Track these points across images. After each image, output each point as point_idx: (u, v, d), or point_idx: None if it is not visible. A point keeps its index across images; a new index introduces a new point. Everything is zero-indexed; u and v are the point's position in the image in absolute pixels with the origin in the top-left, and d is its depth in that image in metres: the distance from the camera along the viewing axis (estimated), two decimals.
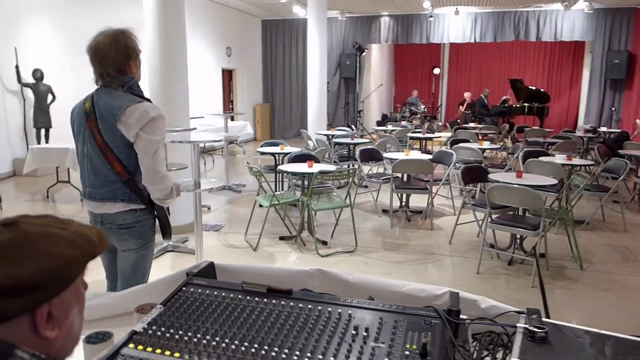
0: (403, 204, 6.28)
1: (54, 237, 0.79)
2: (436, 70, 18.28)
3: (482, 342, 1.31)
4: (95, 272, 3.04)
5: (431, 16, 13.88)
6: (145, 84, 5.41)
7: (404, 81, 19.34)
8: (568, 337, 1.18)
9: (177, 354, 1.22)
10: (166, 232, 2.41)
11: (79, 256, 0.81)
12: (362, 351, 1.18)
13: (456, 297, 1.48)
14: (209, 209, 6.44)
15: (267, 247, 4.97)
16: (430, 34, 14.33)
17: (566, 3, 11.70)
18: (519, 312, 1.32)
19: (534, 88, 14.37)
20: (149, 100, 2.28)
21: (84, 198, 2.35)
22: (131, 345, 1.26)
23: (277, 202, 4.90)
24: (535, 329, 1.17)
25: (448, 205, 6.74)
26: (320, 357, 1.16)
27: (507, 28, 13.63)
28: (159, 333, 1.30)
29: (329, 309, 1.36)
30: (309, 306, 1.37)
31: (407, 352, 1.16)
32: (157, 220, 2.36)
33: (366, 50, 14.86)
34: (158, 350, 1.24)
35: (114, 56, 2.18)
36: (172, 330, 1.30)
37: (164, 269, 4.23)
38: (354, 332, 1.25)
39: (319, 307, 1.37)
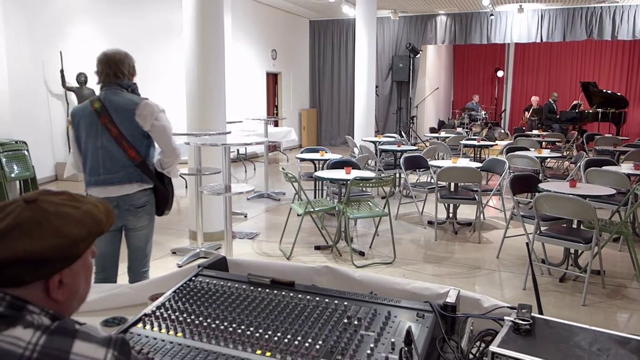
0: (450, 215, 6.31)
1: (67, 216, 1.00)
2: (499, 73, 18.02)
3: (475, 337, 1.43)
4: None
5: (492, 14, 13.77)
6: (182, 87, 5.79)
7: (464, 85, 19.18)
8: (554, 330, 1.29)
9: (179, 334, 1.42)
10: (167, 206, 3.14)
11: (86, 235, 1.01)
12: (350, 338, 1.33)
13: (457, 295, 1.59)
14: (245, 216, 6.71)
15: (301, 256, 5.16)
16: (491, 33, 14.20)
17: None
18: (511, 308, 1.42)
19: (609, 92, 13.92)
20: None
21: (95, 186, 2.92)
22: (140, 325, 1.48)
23: (311, 210, 5.09)
24: (520, 322, 1.28)
25: (500, 217, 6.70)
26: (310, 341, 1.32)
27: (578, 26, 13.30)
28: (165, 315, 1.51)
29: (327, 300, 1.52)
30: (308, 297, 1.54)
31: (393, 340, 1.30)
32: (164, 193, 3.05)
33: (421, 52, 14.90)
34: (163, 331, 1.45)
35: (126, 63, 2.96)
36: (177, 314, 1.51)
37: None
38: (346, 321, 1.41)
39: (317, 298, 1.53)
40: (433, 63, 16.97)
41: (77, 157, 3.00)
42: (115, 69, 2.90)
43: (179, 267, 4.55)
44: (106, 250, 3.01)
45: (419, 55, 14.76)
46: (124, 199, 2.90)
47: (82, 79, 9.03)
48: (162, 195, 3.05)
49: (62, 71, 8.87)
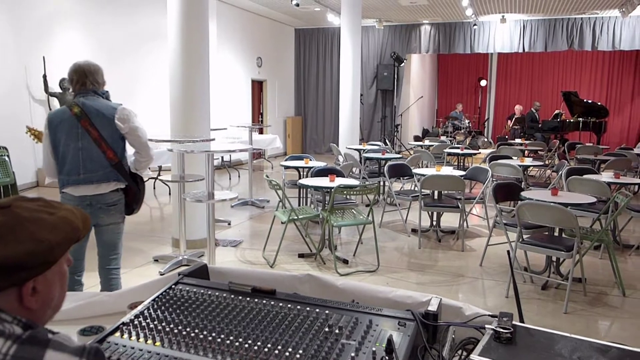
0: (434, 223, 6.33)
1: (41, 221, 0.98)
2: (483, 82, 18.21)
3: (457, 345, 1.42)
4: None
5: (475, 24, 13.93)
6: (166, 93, 5.75)
7: (448, 94, 19.34)
8: (535, 339, 1.29)
9: (158, 343, 1.39)
10: (140, 203, 3.36)
11: (61, 240, 0.99)
12: (331, 347, 1.32)
13: (439, 303, 1.58)
14: (229, 224, 6.67)
15: (285, 264, 5.13)
16: (474, 43, 14.37)
17: (623, 9, 11.55)
18: (492, 316, 1.42)
19: (590, 101, 14.14)
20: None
21: (73, 185, 3.11)
22: (117, 334, 1.45)
23: (295, 217, 5.07)
24: (501, 330, 1.28)
25: (483, 225, 6.74)
26: (290, 350, 1.30)
27: (560, 36, 13.52)
28: (144, 324, 1.48)
29: (308, 309, 1.50)
30: (289, 306, 1.53)
31: (374, 349, 1.29)
32: (136, 192, 3.28)
33: (405, 61, 15.01)
34: (142, 340, 1.42)
35: (99, 73, 3.24)
36: (156, 323, 1.48)
37: None
38: (327, 329, 1.39)
39: (299, 307, 1.52)
40: (417, 72, 17.10)
41: (51, 159, 3.15)
42: (91, 78, 3.16)
43: (161, 274, 4.50)
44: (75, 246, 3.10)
45: (403, 64, 14.87)
46: (97, 198, 3.14)
47: (65, 84, 8.93)
48: (133, 195, 3.28)
49: (44, 76, 8.77)
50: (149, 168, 3.45)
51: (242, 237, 6.15)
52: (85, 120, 3.05)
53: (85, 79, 3.14)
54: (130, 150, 3.26)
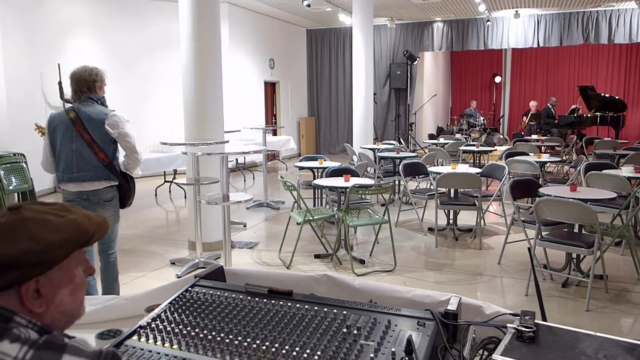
0: (451, 221, 6.28)
1: (45, 222, 0.97)
2: (497, 79, 18.06)
3: (478, 345, 1.40)
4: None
5: (488, 20, 13.80)
6: (179, 97, 5.78)
7: (462, 91, 19.22)
8: (558, 338, 1.26)
9: (175, 346, 1.39)
10: (131, 200, 3.67)
11: (62, 241, 0.97)
12: (350, 347, 1.30)
13: (458, 302, 1.56)
14: (244, 226, 6.68)
15: (301, 265, 5.12)
16: (488, 39, 14.23)
17: (639, 1, 11.37)
18: (514, 315, 1.39)
19: (607, 95, 13.94)
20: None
21: (69, 182, 3.43)
22: (135, 337, 1.45)
23: (311, 218, 5.06)
24: (524, 329, 1.25)
25: (501, 223, 6.67)
26: (309, 351, 1.29)
27: (575, 30, 13.33)
28: (161, 327, 1.47)
29: (325, 310, 1.49)
30: (306, 306, 1.51)
31: (393, 349, 1.27)
32: (127, 190, 3.60)
33: (418, 59, 14.92)
34: (159, 343, 1.42)
35: (93, 79, 3.45)
36: (173, 325, 1.47)
37: None
38: (345, 330, 1.38)
39: (316, 308, 1.50)
40: (430, 70, 17.00)
41: (49, 156, 3.49)
42: (86, 85, 3.43)
43: (178, 277, 4.51)
44: None
45: (416, 62, 14.78)
46: (94, 193, 3.46)
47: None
48: (124, 191, 3.61)
49: (60, 83, 8.86)
50: (138, 173, 3.70)
51: (258, 238, 6.15)
52: (79, 125, 3.36)
53: (79, 86, 3.44)
54: (122, 152, 3.58)
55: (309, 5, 11.00)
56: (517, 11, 13.17)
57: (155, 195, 8.84)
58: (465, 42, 14.50)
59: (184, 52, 5.46)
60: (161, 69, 10.84)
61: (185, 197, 8.57)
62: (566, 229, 4.61)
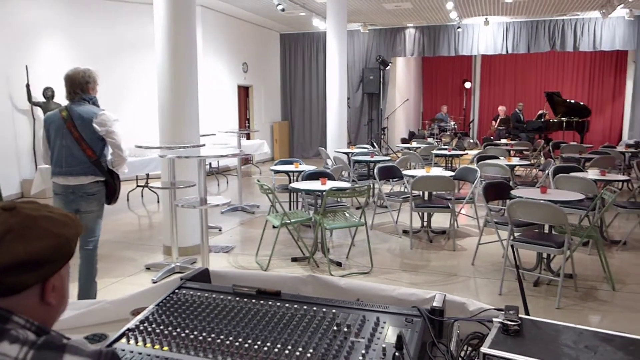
0: (425, 224, 6.37)
1: (51, 219, 1.00)
2: (467, 84, 18.39)
3: (464, 340, 1.44)
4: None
5: (459, 27, 14.07)
6: (154, 101, 5.72)
7: (433, 96, 19.49)
8: (542, 331, 1.30)
9: (165, 348, 1.39)
10: (114, 198, 3.87)
11: (73, 235, 1.02)
12: (341, 345, 1.32)
13: (443, 299, 1.60)
14: (220, 230, 6.64)
15: (278, 268, 5.12)
16: (459, 45, 14.50)
17: (604, 11, 11.74)
18: (498, 310, 1.44)
19: (572, 101, 14.34)
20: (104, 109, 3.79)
21: (59, 175, 3.68)
22: (123, 340, 1.44)
23: (288, 221, 5.07)
24: (509, 323, 1.29)
25: (473, 225, 6.79)
26: (301, 349, 1.30)
27: (542, 38, 13.70)
28: (149, 329, 1.47)
29: (314, 309, 1.51)
30: (295, 306, 1.53)
31: (384, 345, 1.30)
32: (111, 188, 3.79)
33: (390, 64, 15.10)
34: (148, 345, 1.41)
35: (85, 80, 3.69)
36: (162, 327, 1.47)
37: None
38: (335, 328, 1.40)
39: (305, 307, 1.52)
40: (403, 75, 17.21)
41: (46, 150, 3.77)
42: (78, 86, 3.66)
43: (154, 282, 4.47)
44: None
45: (388, 67, 14.95)
46: (79, 187, 3.66)
47: (49, 93, 8.85)
48: (111, 188, 3.80)
49: (28, 86, 8.68)
50: (124, 171, 3.90)
51: (234, 242, 6.12)
52: (70, 123, 3.61)
53: (74, 88, 3.67)
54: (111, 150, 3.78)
55: (283, 10, 11.03)
56: (487, 18, 13.46)
57: (128, 200, 8.71)
58: (436, 48, 14.74)
59: (159, 55, 5.42)
60: (133, 72, 10.71)
61: (158, 201, 8.47)
62: (537, 230, 4.74)
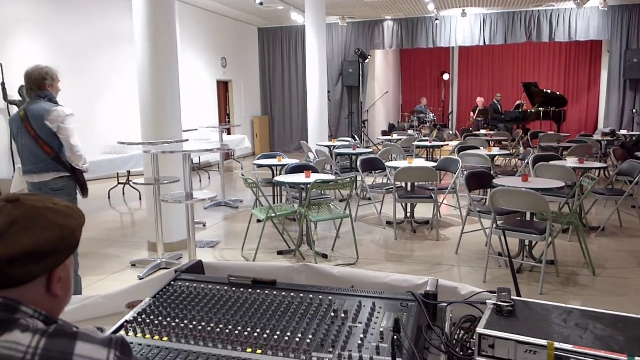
0: (408, 214, 6.43)
1: (55, 210, 1.01)
2: (445, 76, 18.54)
3: (457, 323, 1.48)
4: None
5: (437, 19, 14.17)
6: (134, 96, 5.67)
7: (412, 88, 19.61)
8: (534, 311, 1.35)
9: (165, 338, 1.40)
10: (84, 191, 3.90)
11: (77, 226, 1.03)
12: (339, 330, 1.35)
13: (436, 284, 1.63)
14: (204, 225, 6.62)
15: (264, 262, 5.13)
16: (436, 37, 14.60)
17: (578, 1, 11.94)
18: (491, 292, 1.48)
19: (549, 91, 14.56)
20: (61, 105, 3.77)
21: (25, 174, 3.79)
22: (122, 332, 1.44)
23: (273, 214, 5.08)
24: (502, 304, 1.34)
25: (456, 215, 6.89)
26: (300, 336, 1.33)
27: (518, 29, 13.88)
28: (147, 321, 1.48)
29: (310, 296, 1.53)
30: (291, 294, 1.55)
31: (381, 329, 1.33)
32: (78, 182, 3.82)
33: (369, 57, 15.13)
34: (148, 336, 1.42)
35: (42, 77, 3.71)
36: (160, 319, 1.48)
37: None
38: (333, 314, 1.42)
39: (301, 295, 1.54)
40: (381, 67, 17.28)
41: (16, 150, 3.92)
42: (34, 84, 3.69)
43: (140, 279, 4.44)
44: None
45: (367, 60, 14.99)
46: (43, 184, 3.73)
47: (23, 91, 8.68)
48: (78, 182, 3.85)
49: (2, 84, 8.50)
50: (82, 166, 3.88)
51: (219, 237, 6.12)
52: (26, 122, 3.66)
53: (30, 85, 3.73)
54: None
55: (261, 3, 10.98)
56: (464, 10, 13.58)
57: (109, 197, 8.62)
58: (414, 40, 14.83)
59: (139, 50, 5.36)
60: (111, 67, 10.55)
61: (140, 198, 8.40)
62: (519, 217, 4.83)
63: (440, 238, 5.91)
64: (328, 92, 12.85)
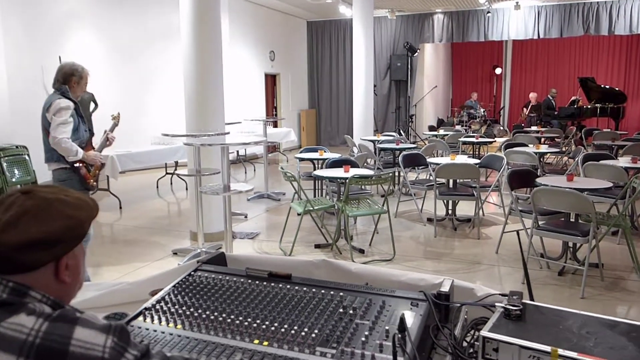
0: (449, 212, 6.34)
1: (65, 202, 1.08)
2: (498, 70, 18.06)
3: (467, 325, 1.46)
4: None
5: (489, 12, 13.80)
6: (180, 89, 5.83)
7: (462, 83, 19.22)
8: (544, 316, 1.32)
9: (179, 326, 1.45)
10: (85, 186, 3.93)
11: (86, 217, 1.09)
12: (346, 327, 1.36)
13: (451, 284, 1.62)
14: (245, 217, 6.74)
15: (301, 254, 5.18)
16: (488, 31, 14.22)
17: None
18: (503, 295, 1.46)
19: (607, 87, 13.96)
20: (64, 99, 3.81)
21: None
22: (140, 319, 1.51)
23: (311, 208, 5.12)
24: (511, 307, 1.31)
25: (499, 213, 6.73)
26: (307, 330, 1.35)
27: (575, 22, 13.32)
28: (165, 309, 1.54)
29: (323, 291, 1.55)
30: (305, 289, 1.58)
31: (387, 328, 1.34)
32: (78, 176, 3.90)
33: (418, 51, 14.92)
34: (163, 323, 1.48)
35: (62, 73, 3.84)
36: (177, 307, 1.54)
37: None
38: (342, 310, 1.44)
39: (314, 290, 1.57)
40: (431, 61, 17.00)
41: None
42: (61, 76, 3.84)
43: None
44: None
45: (416, 54, 14.78)
46: (53, 174, 3.91)
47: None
48: (78, 175, 3.93)
49: None
50: (71, 158, 3.91)
51: (259, 229, 6.22)
52: (43, 112, 3.81)
53: (57, 76, 3.87)
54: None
55: None
56: (517, 2, 13.15)
57: (157, 187, 8.90)
58: (465, 34, 14.49)
59: (184, 44, 5.50)
60: (161, 61, 10.87)
61: (186, 188, 8.63)
62: (563, 219, 4.67)
63: (481, 237, 5.79)
64: (375, 86, 12.78)
